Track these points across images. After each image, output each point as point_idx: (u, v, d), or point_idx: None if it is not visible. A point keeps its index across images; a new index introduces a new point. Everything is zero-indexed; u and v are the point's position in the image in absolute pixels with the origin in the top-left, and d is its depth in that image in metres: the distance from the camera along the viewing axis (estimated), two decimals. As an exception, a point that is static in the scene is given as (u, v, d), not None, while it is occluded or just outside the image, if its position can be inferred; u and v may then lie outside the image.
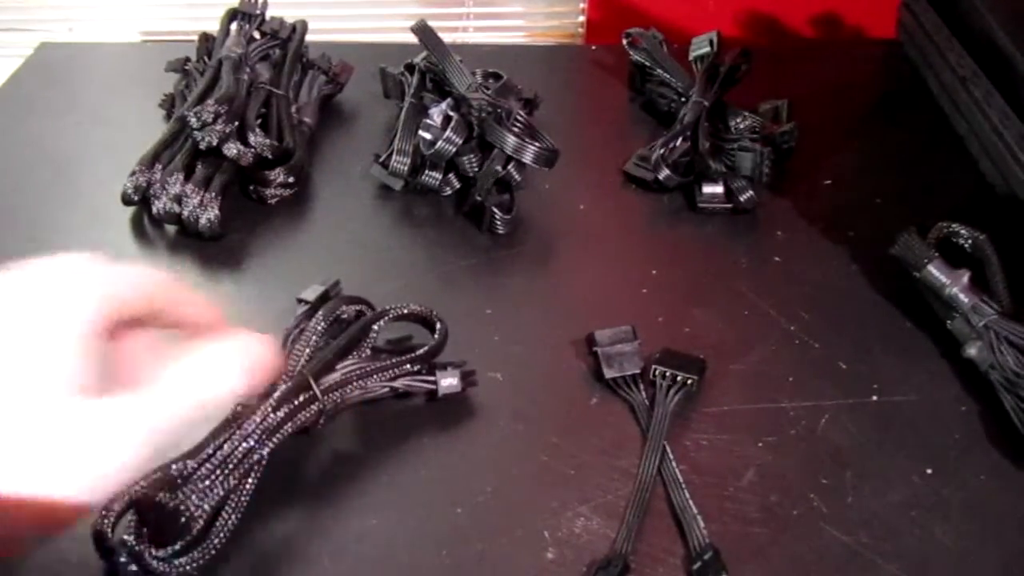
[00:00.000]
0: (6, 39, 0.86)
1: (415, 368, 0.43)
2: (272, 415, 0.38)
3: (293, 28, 0.65)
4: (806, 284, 0.51)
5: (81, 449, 0.26)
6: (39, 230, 0.56)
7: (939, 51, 0.67)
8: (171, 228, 0.55)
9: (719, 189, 0.56)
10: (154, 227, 0.56)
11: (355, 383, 0.41)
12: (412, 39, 0.58)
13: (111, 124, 0.65)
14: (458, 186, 0.57)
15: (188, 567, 0.37)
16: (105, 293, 0.28)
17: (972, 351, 0.44)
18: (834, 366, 0.46)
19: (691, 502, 0.40)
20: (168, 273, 0.39)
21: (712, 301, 0.50)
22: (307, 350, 0.42)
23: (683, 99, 0.61)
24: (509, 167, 0.54)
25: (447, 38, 0.59)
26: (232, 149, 0.55)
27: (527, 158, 0.53)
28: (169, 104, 0.64)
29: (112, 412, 0.27)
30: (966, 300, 0.45)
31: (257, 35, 0.64)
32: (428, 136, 0.54)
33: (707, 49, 0.63)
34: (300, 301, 0.45)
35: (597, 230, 0.56)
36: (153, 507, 0.36)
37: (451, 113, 0.55)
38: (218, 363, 0.30)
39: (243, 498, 0.38)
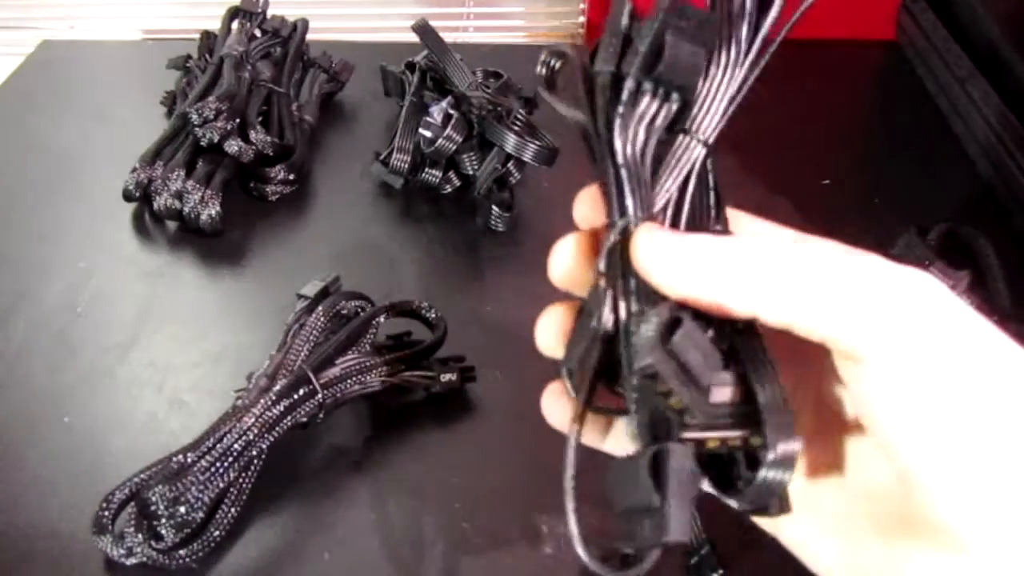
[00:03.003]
0: (7, 37, 0.86)
1: (414, 364, 0.43)
2: (272, 409, 0.39)
3: (294, 26, 0.66)
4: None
5: None
6: (41, 227, 0.56)
7: (937, 52, 0.67)
8: (172, 224, 0.55)
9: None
10: (155, 223, 0.56)
11: (354, 378, 0.42)
12: (413, 38, 0.58)
13: (112, 121, 0.65)
14: (458, 184, 0.57)
15: (188, 559, 0.37)
16: None
17: None
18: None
19: (688, 498, 0.40)
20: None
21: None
22: (307, 345, 0.42)
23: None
24: (509, 165, 0.55)
25: (447, 37, 0.59)
26: (233, 146, 0.55)
27: (527, 156, 0.54)
28: (170, 101, 0.64)
29: None
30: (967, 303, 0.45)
31: (258, 33, 0.64)
32: (428, 134, 0.55)
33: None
34: (300, 296, 0.45)
35: (596, 228, 0.56)
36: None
37: (451, 111, 0.55)
38: None
39: (243, 491, 0.38)
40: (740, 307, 0.21)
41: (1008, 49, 0.60)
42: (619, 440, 0.27)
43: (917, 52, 0.70)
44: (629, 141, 0.23)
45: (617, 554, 0.21)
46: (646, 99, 0.22)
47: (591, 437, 0.28)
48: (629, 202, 0.22)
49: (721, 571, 0.37)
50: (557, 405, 0.27)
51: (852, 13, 0.75)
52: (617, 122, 0.22)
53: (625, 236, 0.22)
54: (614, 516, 0.21)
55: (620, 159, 0.22)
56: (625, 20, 0.23)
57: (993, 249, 0.47)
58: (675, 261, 0.22)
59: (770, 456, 0.20)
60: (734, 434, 0.21)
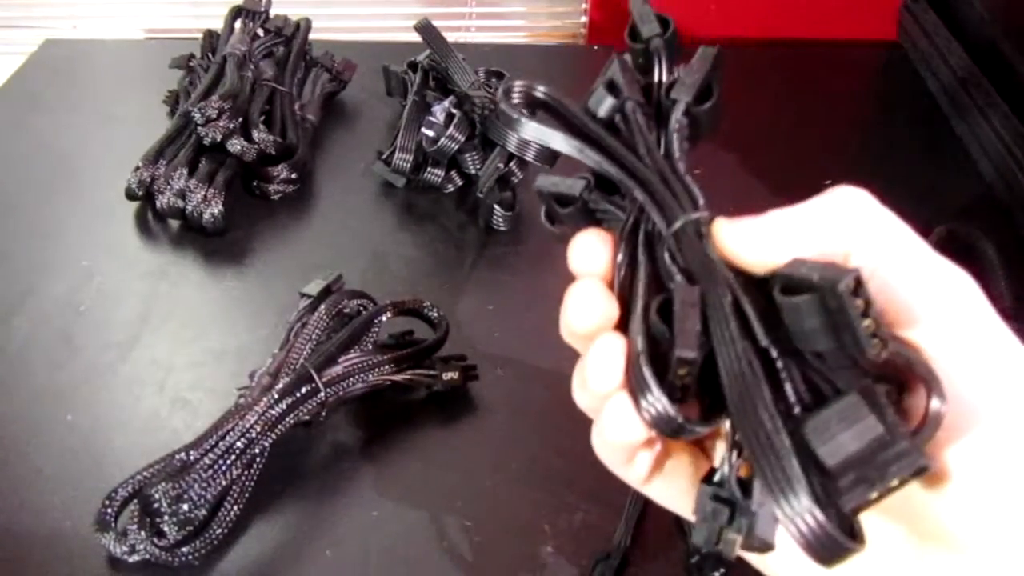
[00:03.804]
0: (10, 36, 0.86)
1: (416, 362, 0.44)
2: (275, 407, 0.39)
3: (297, 26, 0.66)
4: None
5: None
6: (43, 225, 0.56)
7: (939, 53, 0.67)
8: (175, 223, 0.55)
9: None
10: (158, 222, 0.56)
11: (357, 376, 0.42)
12: (415, 37, 0.59)
13: (115, 120, 0.65)
14: (460, 183, 0.57)
15: (190, 556, 0.37)
16: None
17: None
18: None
19: (690, 496, 0.40)
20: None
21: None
22: (309, 343, 0.42)
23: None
24: (511, 164, 0.55)
25: (450, 37, 0.59)
26: (236, 145, 0.55)
27: (529, 156, 0.53)
28: (173, 101, 0.64)
29: None
30: None
31: (261, 32, 0.64)
32: (431, 133, 0.55)
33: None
34: (303, 295, 0.46)
35: (598, 228, 0.56)
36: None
37: (453, 111, 0.55)
38: None
39: (245, 489, 0.38)
40: (837, 247, 0.23)
41: (1010, 49, 0.60)
42: (672, 475, 0.26)
43: (918, 52, 0.70)
44: (682, 150, 0.25)
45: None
46: (679, 125, 0.25)
47: (633, 471, 0.26)
48: (700, 200, 0.24)
49: (722, 570, 0.37)
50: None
51: (853, 13, 0.75)
52: (675, 134, 0.25)
53: (703, 228, 0.23)
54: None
55: (683, 167, 0.24)
56: (617, 72, 0.27)
57: (994, 249, 0.47)
58: (767, 235, 0.23)
59: (935, 403, 0.20)
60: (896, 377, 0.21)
